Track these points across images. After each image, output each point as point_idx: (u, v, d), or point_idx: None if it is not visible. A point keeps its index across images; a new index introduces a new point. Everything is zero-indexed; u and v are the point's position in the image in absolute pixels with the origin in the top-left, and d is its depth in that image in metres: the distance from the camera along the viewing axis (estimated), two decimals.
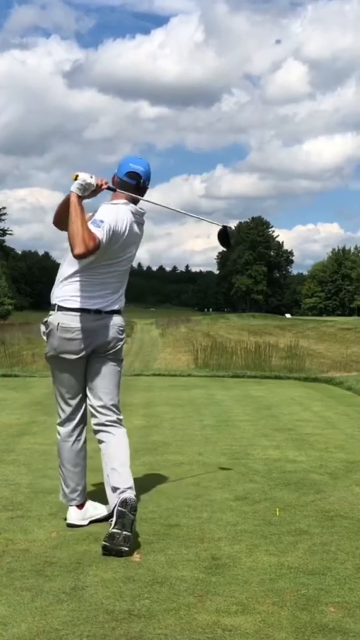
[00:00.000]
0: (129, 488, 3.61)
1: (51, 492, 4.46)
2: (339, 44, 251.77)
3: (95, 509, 3.93)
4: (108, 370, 3.86)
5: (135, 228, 3.87)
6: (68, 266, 3.82)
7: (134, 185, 3.89)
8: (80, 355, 3.79)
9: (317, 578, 3.12)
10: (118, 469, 3.67)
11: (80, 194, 3.71)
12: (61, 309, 3.77)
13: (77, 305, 3.75)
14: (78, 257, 3.63)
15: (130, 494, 3.57)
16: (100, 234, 3.64)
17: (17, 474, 5.08)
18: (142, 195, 3.94)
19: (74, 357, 3.78)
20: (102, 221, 3.69)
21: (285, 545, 3.56)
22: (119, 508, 3.48)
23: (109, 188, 3.90)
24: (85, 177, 3.73)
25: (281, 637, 2.56)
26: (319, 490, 4.62)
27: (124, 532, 3.41)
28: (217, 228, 4.01)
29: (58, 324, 3.75)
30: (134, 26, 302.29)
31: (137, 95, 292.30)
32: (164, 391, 10.36)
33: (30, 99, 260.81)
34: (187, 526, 3.85)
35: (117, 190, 3.91)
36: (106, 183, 3.86)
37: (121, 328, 3.90)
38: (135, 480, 4.86)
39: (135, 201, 3.89)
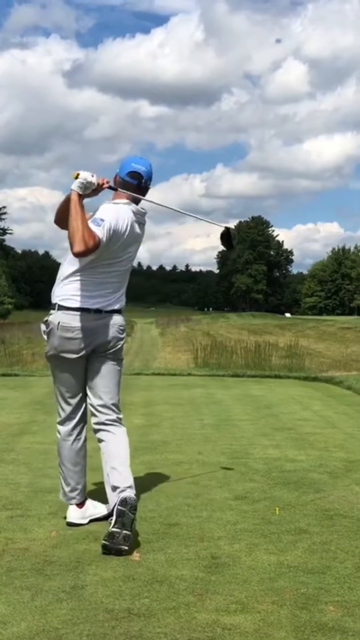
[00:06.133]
0: (129, 487, 3.61)
1: (51, 491, 4.46)
2: (339, 43, 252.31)
3: (95, 508, 3.94)
4: (108, 369, 3.86)
5: (137, 228, 3.87)
6: (69, 265, 3.82)
7: (135, 184, 3.89)
8: (80, 354, 3.79)
9: (317, 577, 3.13)
10: (118, 468, 3.68)
11: (80, 193, 3.70)
12: (62, 308, 3.77)
13: (77, 304, 3.75)
14: (77, 255, 3.63)
15: (130, 493, 3.58)
16: (101, 232, 3.64)
17: (17, 473, 5.08)
18: (144, 195, 3.95)
19: (74, 356, 3.78)
20: (102, 220, 3.69)
21: (284, 544, 3.56)
22: (119, 507, 3.48)
23: (110, 187, 3.89)
24: (86, 175, 3.72)
25: (280, 636, 2.56)
26: (318, 489, 4.62)
27: (124, 531, 3.41)
28: (219, 229, 4.00)
29: (58, 323, 3.75)
30: (134, 25, 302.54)
31: (137, 95, 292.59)
32: (164, 390, 10.36)
33: (30, 98, 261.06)
34: (187, 525, 3.85)
35: (119, 189, 3.91)
36: (107, 182, 3.86)
37: (121, 327, 3.90)
38: (135, 479, 4.86)
39: (136, 201, 3.89)
